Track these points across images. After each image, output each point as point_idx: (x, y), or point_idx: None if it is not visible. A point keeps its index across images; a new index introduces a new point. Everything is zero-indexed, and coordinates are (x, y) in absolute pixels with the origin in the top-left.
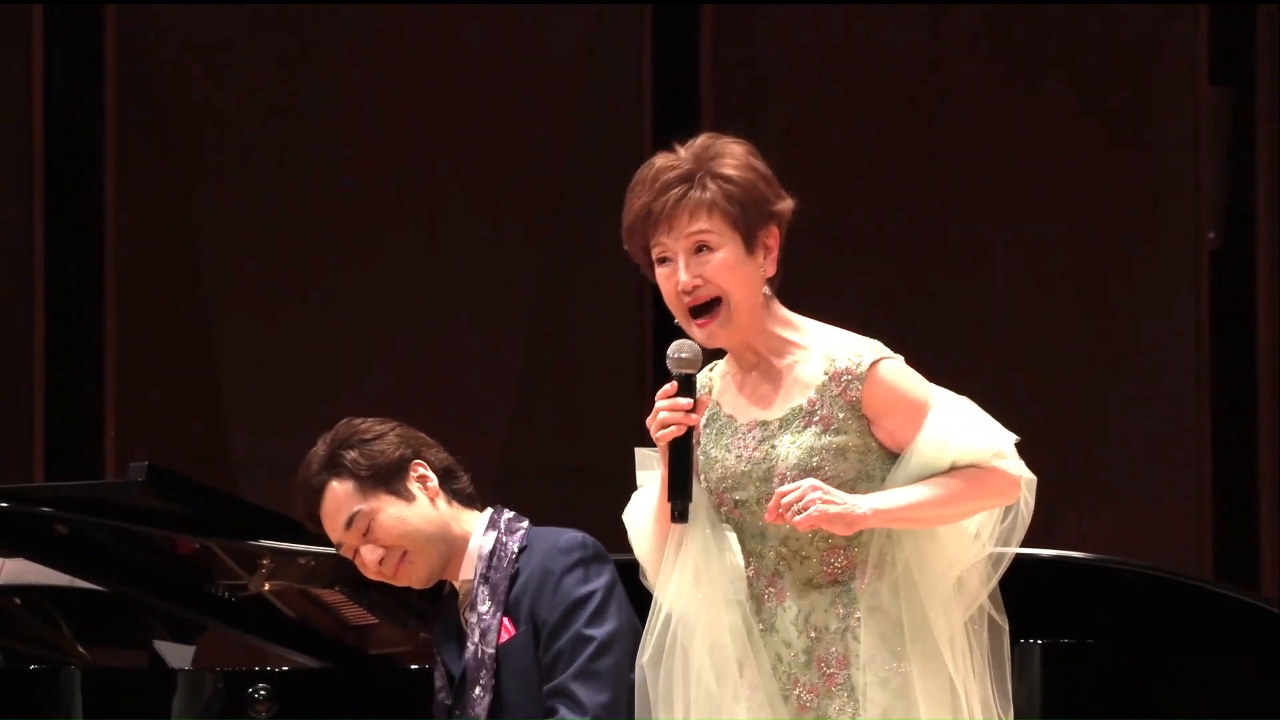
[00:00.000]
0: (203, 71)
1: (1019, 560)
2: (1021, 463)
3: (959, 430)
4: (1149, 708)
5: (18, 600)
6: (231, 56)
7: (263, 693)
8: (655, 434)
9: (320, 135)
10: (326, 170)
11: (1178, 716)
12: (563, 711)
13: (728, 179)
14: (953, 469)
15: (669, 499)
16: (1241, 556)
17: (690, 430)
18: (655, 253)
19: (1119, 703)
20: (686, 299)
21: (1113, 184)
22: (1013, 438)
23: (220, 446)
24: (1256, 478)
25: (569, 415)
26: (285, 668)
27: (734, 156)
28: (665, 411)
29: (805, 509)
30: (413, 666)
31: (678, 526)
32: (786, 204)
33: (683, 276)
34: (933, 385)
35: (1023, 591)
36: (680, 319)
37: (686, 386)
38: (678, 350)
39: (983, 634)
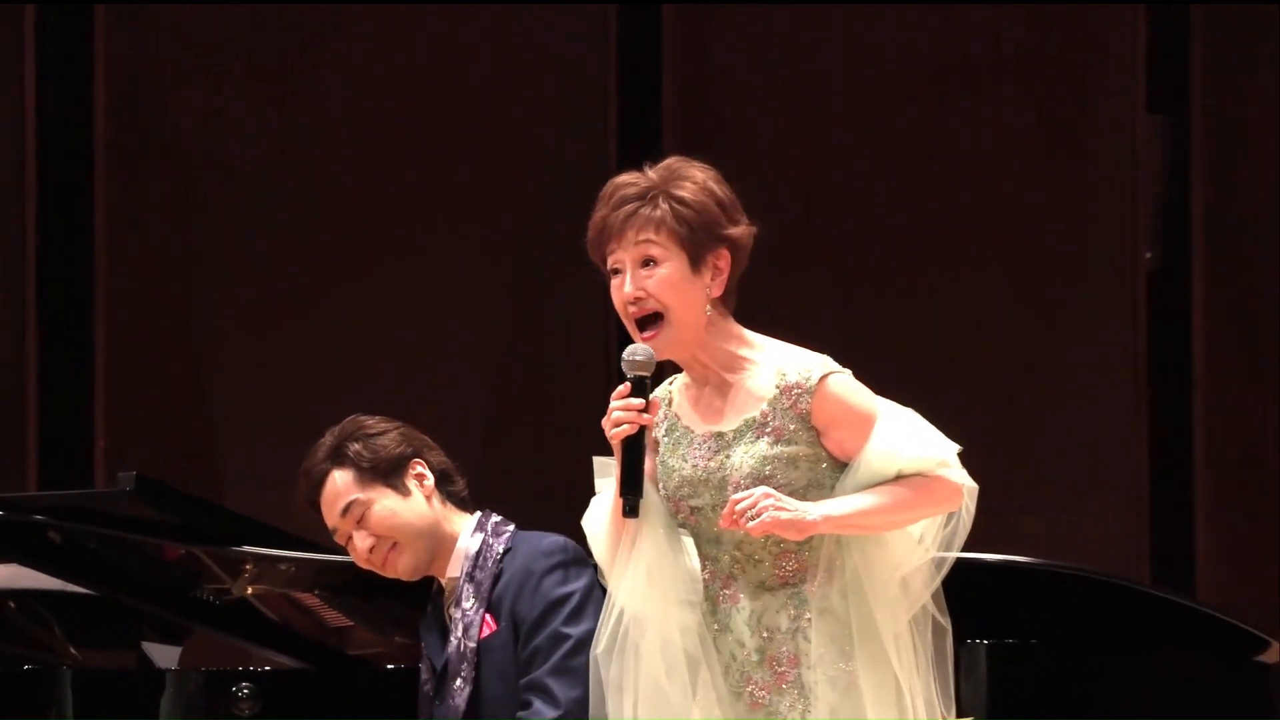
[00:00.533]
0: (197, 79)
1: (967, 564)
2: (964, 472)
3: (905, 441)
4: (1089, 705)
5: (12, 604)
6: (225, 63)
7: (246, 691)
8: (609, 432)
9: (305, 153)
10: (315, 187)
11: (1117, 713)
12: (537, 705)
13: (680, 200)
14: (899, 477)
15: (620, 495)
16: (1176, 562)
17: (642, 430)
18: (609, 263)
19: (1061, 700)
20: (632, 309)
21: (1055, 205)
22: (955, 448)
23: (209, 458)
24: (1191, 487)
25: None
26: (268, 667)
27: (692, 180)
28: (619, 411)
29: (758, 515)
30: (389, 666)
31: (632, 526)
32: (740, 230)
33: (628, 288)
34: (879, 397)
35: (970, 594)
36: (629, 329)
37: (639, 388)
38: (632, 354)
39: (927, 634)
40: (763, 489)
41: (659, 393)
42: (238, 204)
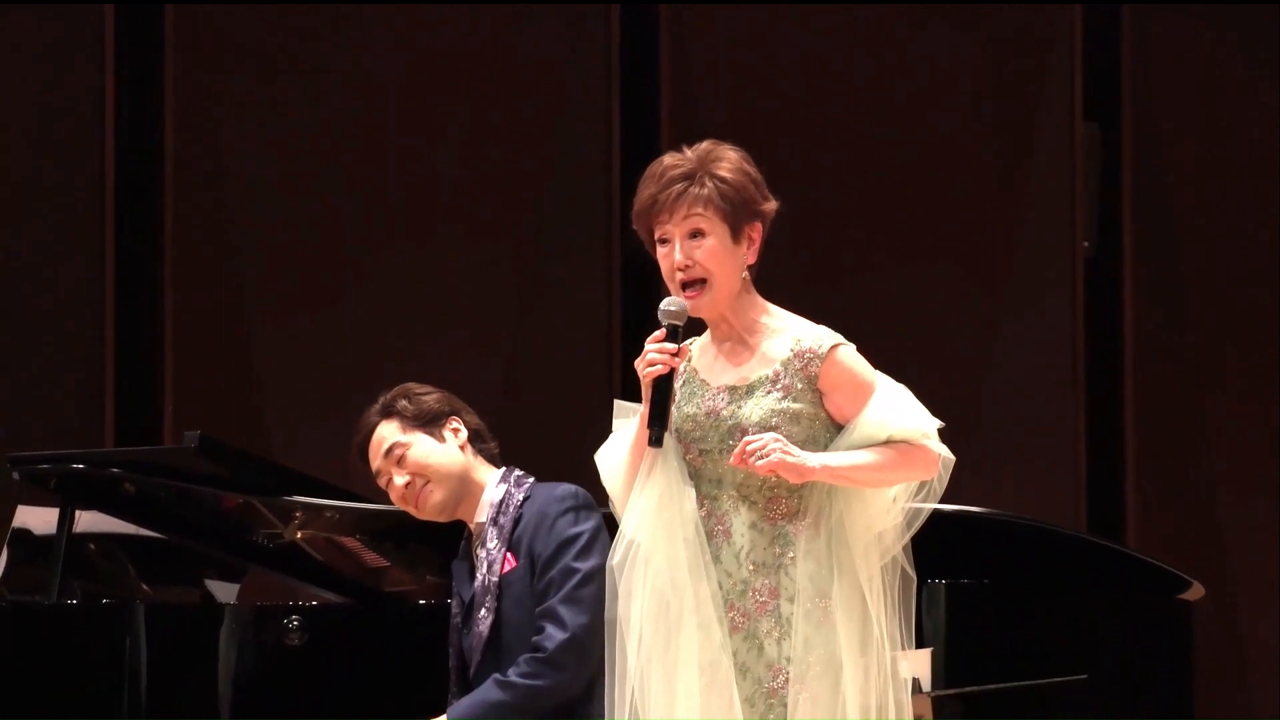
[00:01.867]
0: (252, 82)
1: (930, 513)
2: (943, 445)
3: (897, 411)
4: (1035, 637)
5: (92, 546)
6: (272, 61)
7: (295, 623)
8: (643, 371)
9: (341, 175)
10: (346, 189)
11: (1059, 645)
12: (549, 629)
13: (722, 179)
14: (888, 442)
15: (648, 426)
16: (1108, 519)
17: (672, 370)
18: (657, 234)
19: (1010, 633)
20: (680, 275)
21: (1002, 202)
22: (937, 423)
23: (261, 425)
24: (1123, 447)
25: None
26: (314, 602)
27: (729, 161)
28: (654, 353)
29: (766, 455)
30: (420, 602)
31: (648, 461)
32: (770, 205)
33: (678, 256)
34: (878, 371)
35: (932, 540)
36: (673, 289)
37: (673, 335)
38: (668, 305)
39: (895, 581)
40: (772, 434)
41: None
42: (285, 199)
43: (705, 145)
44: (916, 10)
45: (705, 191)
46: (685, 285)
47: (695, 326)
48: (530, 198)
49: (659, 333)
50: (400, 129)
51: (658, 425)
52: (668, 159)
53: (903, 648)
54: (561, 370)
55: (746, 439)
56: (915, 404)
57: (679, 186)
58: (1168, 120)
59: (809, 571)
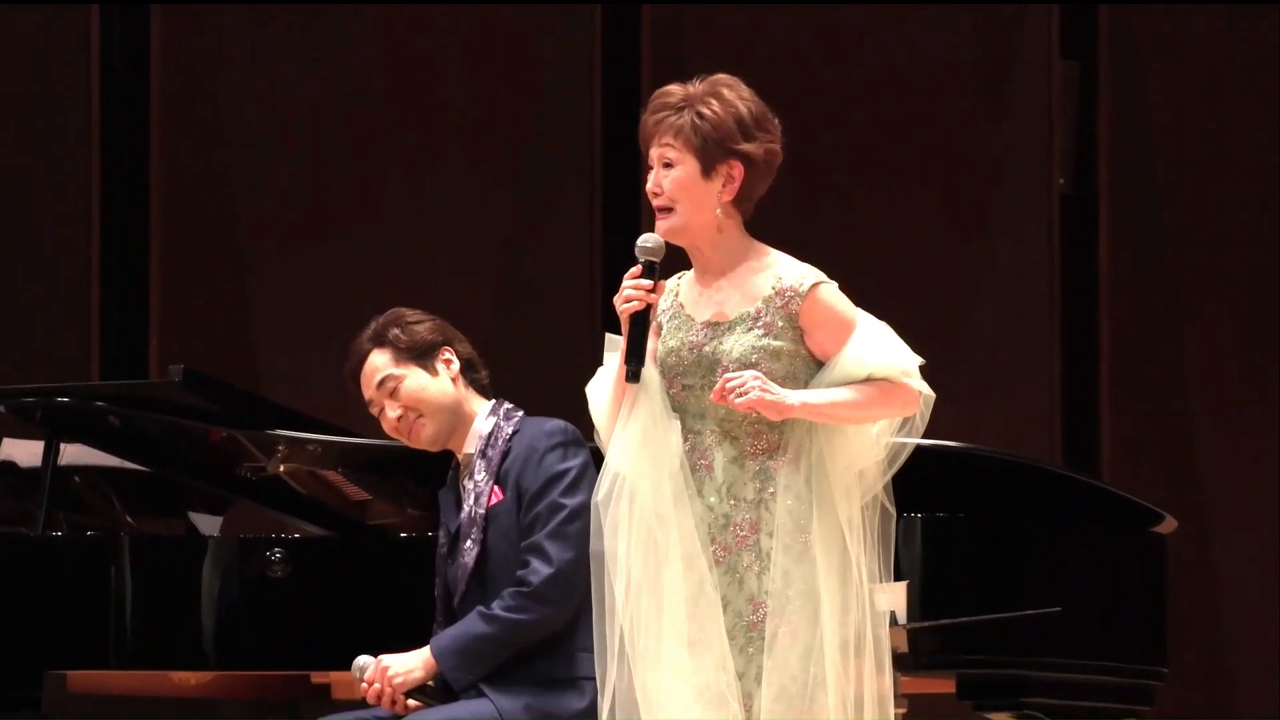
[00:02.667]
0: (242, 29)
1: (905, 447)
2: (924, 382)
3: (877, 348)
4: (1011, 570)
5: (78, 479)
6: (267, 13)
7: (278, 555)
8: (620, 307)
9: (332, 109)
10: (338, 138)
11: (1032, 578)
12: (535, 564)
13: (701, 114)
14: (869, 380)
15: (625, 361)
16: (1084, 451)
17: (649, 306)
18: (648, 158)
19: (985, 567)
20: (652, 199)
21: (981, 140)
22: (918, 360)
23: (249, 359)
24: (1098, 382)
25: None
26: (297, 535)
27: (719, 99)
28: (630, 289)
29: (745, 393)
30: (402, 535)
31: (632, 393)
32: (754, 147)
33: (649, 183)
34: (859, 309)
35: (909, 474)
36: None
37: (649, 271)
38: (644, 241)
39: (875, 517)
40: (752, 372)
41: (669, 283)
42: (275, 141)
43: (711, 80)
44: None
45: (681, 122)
46: (658, 211)
47: (681, 261)
48: (518, 134)
49: (635, 269)
50: (391, 63)
51: (635, 360)
52: (669, 87)
53: (880, 582)
54: (548, 301)
55: (726, 376)
56: (896, 342)
57: (661, 114)
58: (1145, 56)
59: (789, 506)
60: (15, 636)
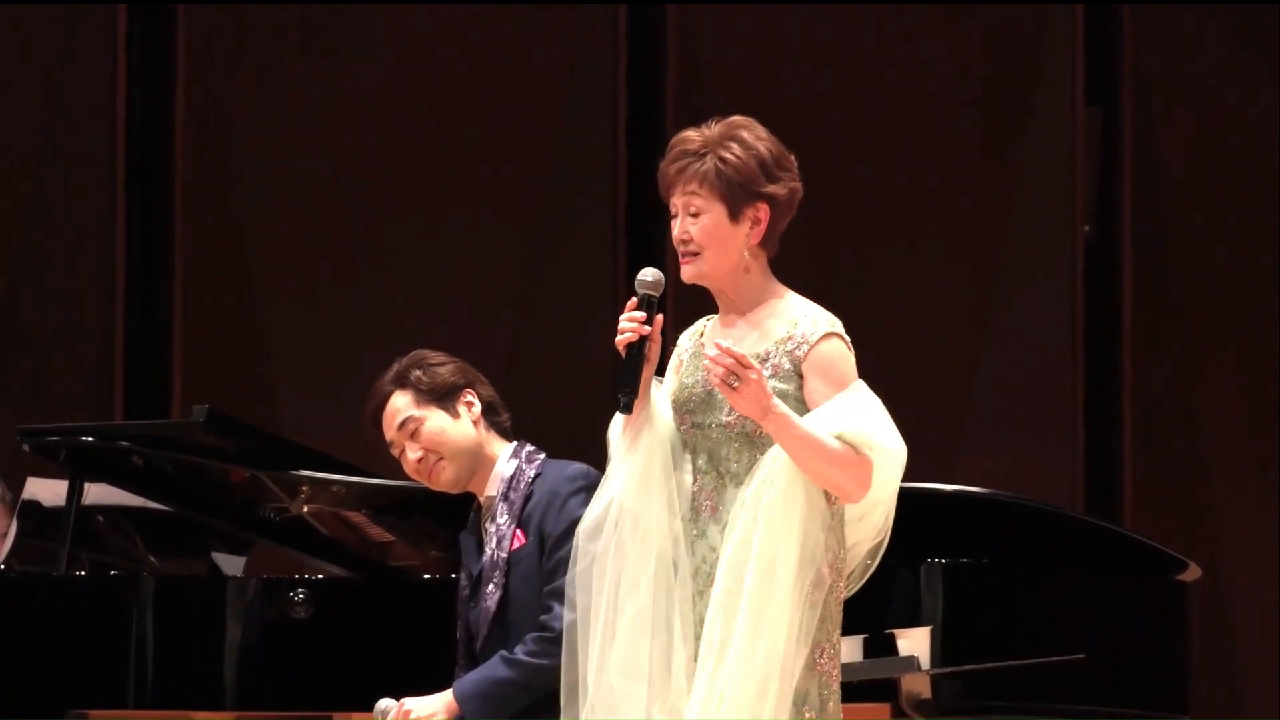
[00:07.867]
0: (260, 66)
1: (929, 493)
2: (889, 471)
3: (856, 416)
4: (1032, 617)
5: (101, 519)
6: (281, 46)
7: (301, 595)
8: (616, 340)
9: (351, 146)
10: (357, 173)
11: (1054, 624)
12: (556, 609)
13: (724, 160)
14: (839, 438)
15: (617, 392)
16: (1106, 498)
17: (644, 339)
18: (670, 206)
19: (1007, 613)
20: (680, 248)
21: (1008, 186)
22: (899, 447)
23: (270, 401)
24: (1121, 428)
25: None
26: (320, 576)
27: (740, 142)
28: (624, 321)
29: (738, 374)
30: (424, 576)
31: (636, 427)
32: (778, 188)
33: (676, 230)
34: (860, 381)
35: (930, 519)
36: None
37: (645, 304)
38: (644, 275)
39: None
40: (758, 368)
41: (697, 324)
42: (295, 173)
43: (727, 123)
44: None
45: (705, 169)
46: (683, 255)
47: (704, 303)
48: (537, 170)
49: (631, 301)
50: (409, 101)
51: (626, 391)
52: (686, 133)
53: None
54: (566, 342)
55: (737, 354)
56: (881, 417)
57: (683, 162)
58: (1166, 104)
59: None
60: (37, 675)
